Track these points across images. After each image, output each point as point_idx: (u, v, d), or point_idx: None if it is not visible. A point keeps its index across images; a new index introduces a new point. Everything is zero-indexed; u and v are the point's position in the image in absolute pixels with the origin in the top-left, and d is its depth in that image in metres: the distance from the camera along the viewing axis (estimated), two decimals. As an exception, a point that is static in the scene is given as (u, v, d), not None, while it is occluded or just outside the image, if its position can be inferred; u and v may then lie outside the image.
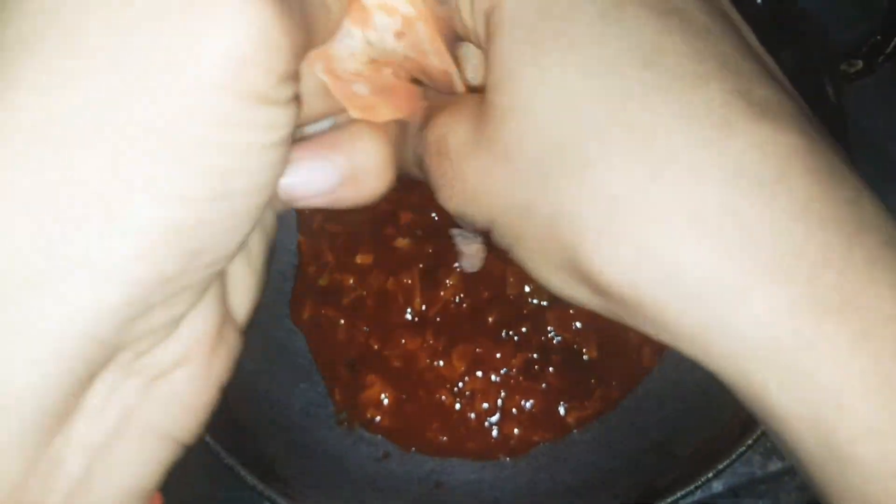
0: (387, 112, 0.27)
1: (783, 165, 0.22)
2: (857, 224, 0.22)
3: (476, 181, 0.26)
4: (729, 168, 0.22)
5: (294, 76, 0.22)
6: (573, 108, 0.23)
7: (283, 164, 0.23)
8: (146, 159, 0.20)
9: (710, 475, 0.52)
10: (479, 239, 0.46)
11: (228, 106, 0.20)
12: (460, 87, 0.28)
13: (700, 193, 0.22)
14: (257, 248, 0.28)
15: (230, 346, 0.26)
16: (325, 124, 0.28)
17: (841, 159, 0.23)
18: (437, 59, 0.27)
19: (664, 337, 0.24)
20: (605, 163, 0.23)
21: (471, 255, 0.50)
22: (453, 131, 0.26)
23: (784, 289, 0.22)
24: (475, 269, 0.48)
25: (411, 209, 0.65)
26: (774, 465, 0.68)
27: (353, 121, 0.27)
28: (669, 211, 0.22)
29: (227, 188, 0.21)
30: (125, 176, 0.20)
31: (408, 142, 0.29)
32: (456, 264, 0.62)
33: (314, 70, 0.25)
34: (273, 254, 0.30)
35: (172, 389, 0.24)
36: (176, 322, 0.23)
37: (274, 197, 0.25)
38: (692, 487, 0.52)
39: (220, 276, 0.25)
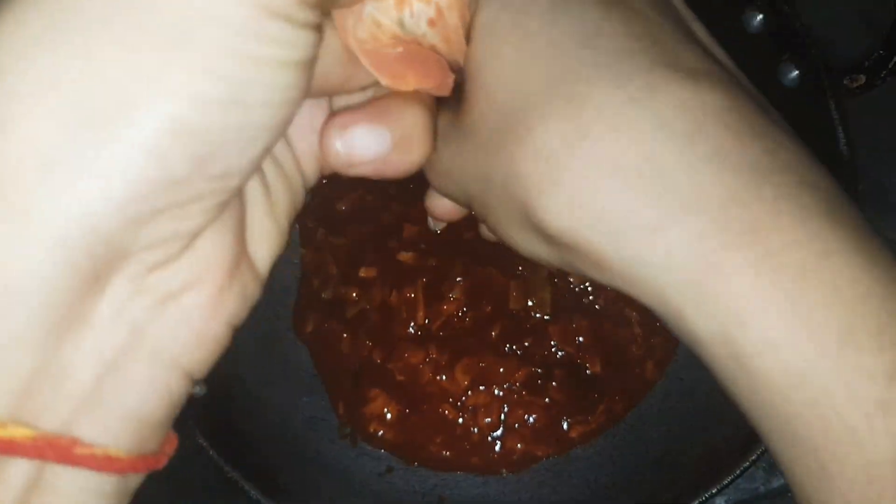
0: (415, 80, 0.28)
1: (700, 119, 0.25)
2: (770, 168, 0.24)
3: (450, 160, 0.30)
4: (649, 122, 0.25)
5: (318, 4, 0.22)
6: (522, 86, 0.26)
7: (302, 90, 0.23)
8: (163, 56, 0.20)
9: (714, 491, 0.52)
10: None
11: (249, 15, 0.20)
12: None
13: (622, 145, 0.25)
14: (282, 203, 0.28)
15: (246, 288, 0.26)
16: (360, 96, 0.29)
17: (769, 120, 0.26)
18: (456, 53, 0.29)
19: (606, 278, 0.27)
20: (543, 127, 0.26)
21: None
22: (439, 120, 0.30)
23: (694, 221, 0.24)
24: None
25: (415, 222, 0.66)
26: (778, 481, 0.68)
27: (394, 92, 0.29)
28: (596, 163, 0.25)
29: (242, 97, 0.21)
30: (140, 70, 0.20)
31: None
32: (458, 278, 0.63)
33: (345, 38, 0.27)
34: (292, 226, 0.30)
35: (182, 314, 0.24)
36: (186, 238, 0.23)
37: (309, 163, 0.28)
38: (696, 503, 0.52)
39: (238, 209, 0.25)
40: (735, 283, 0.24)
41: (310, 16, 0.22)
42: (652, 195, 0.25)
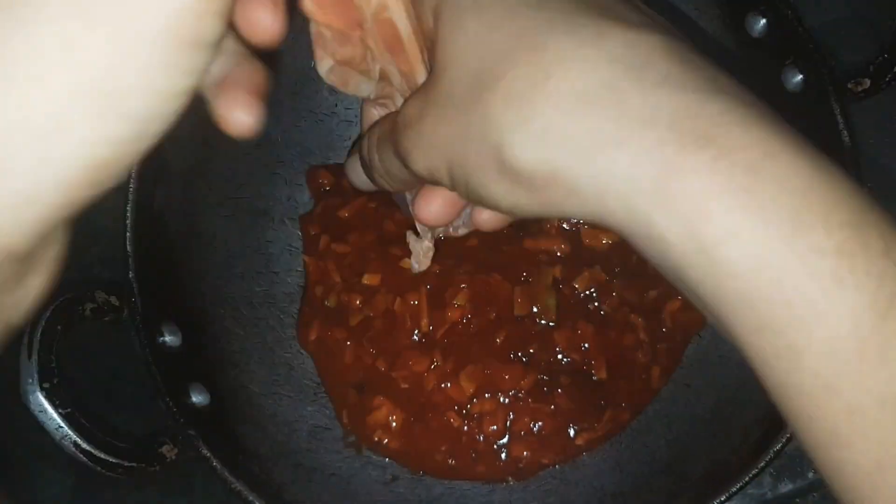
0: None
1: (648, 54, 0.28)
2: (714, 90, 0.28)
3: (429, 132, 0.32)
4: (604, 58, 0.28)
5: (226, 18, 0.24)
6: (488, 47, 0.30)
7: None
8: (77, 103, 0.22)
9: (723, 498, 0.52)
10: (429, 237, 0.49)
11: (169, 53, 0.22)
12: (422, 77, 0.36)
13: (582, 78, 0.28)
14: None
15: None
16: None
17: (705, 58, 0.30)
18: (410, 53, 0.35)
19: (578, 206, 0.29)
20: (511, 73, 0.29)
21: (418, 254, 0.50)
22: (410, 104, 0.33)
23: (651, 133, 0.27)
24: (422, 269, 0.50)
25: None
26: (785, 487, 0.67)
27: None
28: (560, 95, 0.28)
29: (146, 131, 0.24)
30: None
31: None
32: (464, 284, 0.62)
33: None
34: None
35: None
36: None
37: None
38: (706, 511, 0.52)
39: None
40: (695, 181, 0.26)
41: (220, 31, 0.24)
42: (612, 115, 0.28)
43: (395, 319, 0.63)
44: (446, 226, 0.42)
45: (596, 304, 0.62)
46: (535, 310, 0.62)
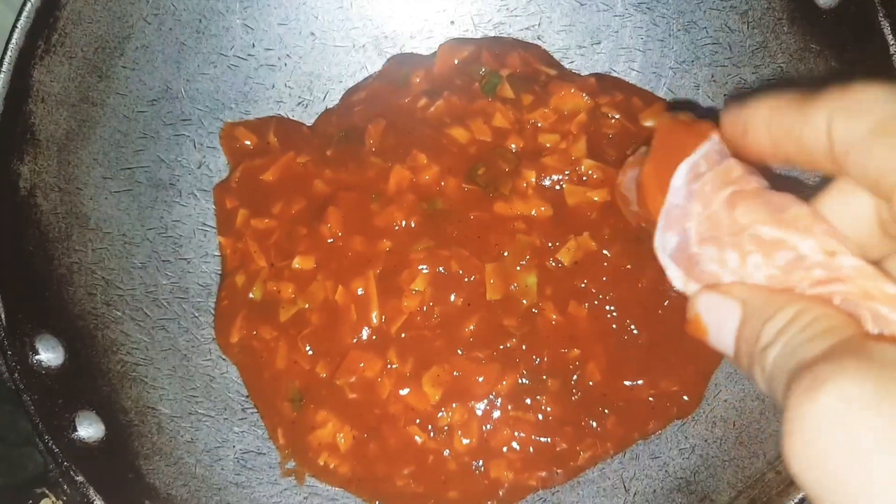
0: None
1: None
2: None
3: (848, 448, 0.23)
4: None
5: None
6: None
7: None
8: None
9: (764, 530, 0.41)
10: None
11: None
12: None
13: None
14: None
15: None
16: None
17: None
18: None
19: None
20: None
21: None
22: (836, 376, 0.24)
23: None
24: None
25: (352, 189, 0.52)
26: None
27: None
28: None
29: None
30: None
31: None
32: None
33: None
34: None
35: None
36: None
37: None
38: (742, 547, 0.41)
39: None
40: None
41: None
42: None
43: (338, 312, 0.51)
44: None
45: (586, 280, 0.50)
46: (513, 288, 0.50)
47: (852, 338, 0.25)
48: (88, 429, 0.46)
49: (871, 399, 0.22)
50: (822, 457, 0.23)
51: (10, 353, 0.45)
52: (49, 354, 0.47)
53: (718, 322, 0.29)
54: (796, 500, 0.41)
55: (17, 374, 0.45)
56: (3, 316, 0.45)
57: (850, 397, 0.23)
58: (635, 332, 0.49)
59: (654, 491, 0.48)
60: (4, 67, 0.46)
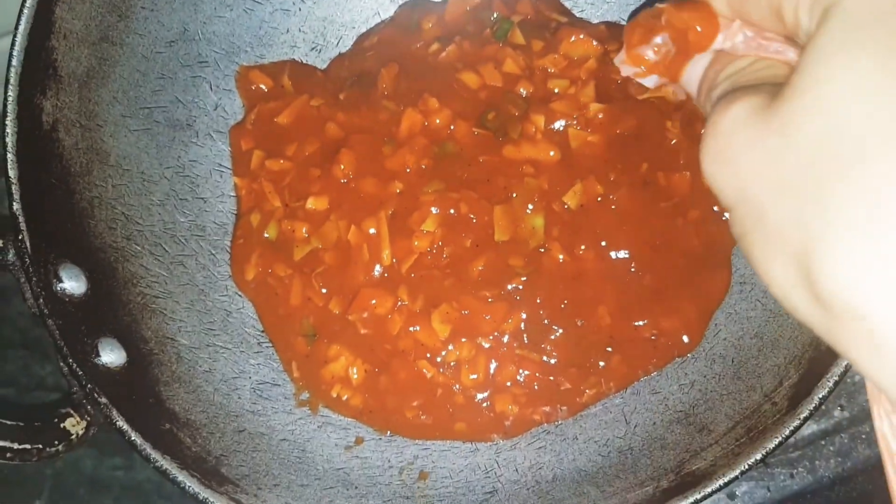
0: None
1: None
2: None
3: (743, 148, 0.27)
4: None
5: None
6: (868, 103, 0.23)
7: None
8: None
9: (759, 458, 0.43)
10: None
11: None
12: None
13: None
14: None
15: None
16: None
17: None
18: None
19: (867, 367, 0.24)
20: (880, 165, 0.23)
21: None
22: (746, 96, 0.27)
23: None
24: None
25: (365, 132, 0.54)
26: (809, 429, 0.59)
27: None
28: None
29: None
30: None
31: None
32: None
33: None
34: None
35: None
36: None
37: None
38: (737, 473, 0.43)
39: None
40: None
41: None
42: None
43: (350, 251, 0.52)
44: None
45: (593, 223, 0.51)
46: (520, 231, 0.51)
47: (775, 76, 0.29)
48: (111, 354, 0.48)
49: (765, 112, 0.26)
50: (725, 151, 0.27)
51: (34, 279, 0.46)
52: (72, 283, 0.48)
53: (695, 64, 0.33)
54: (842, 369, 0.42)
55: (41, 300, 0.46)
56: (28, 244, 0.46)
57: (753, 106, 0.26)
58: (640, 274, 0.51)
59: (654, 423, 0.50)
60: (28, 2, 0.47)
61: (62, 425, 0.45)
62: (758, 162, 0.26)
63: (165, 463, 0.45)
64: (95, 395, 0.45)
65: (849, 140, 0.23)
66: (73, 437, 0.45)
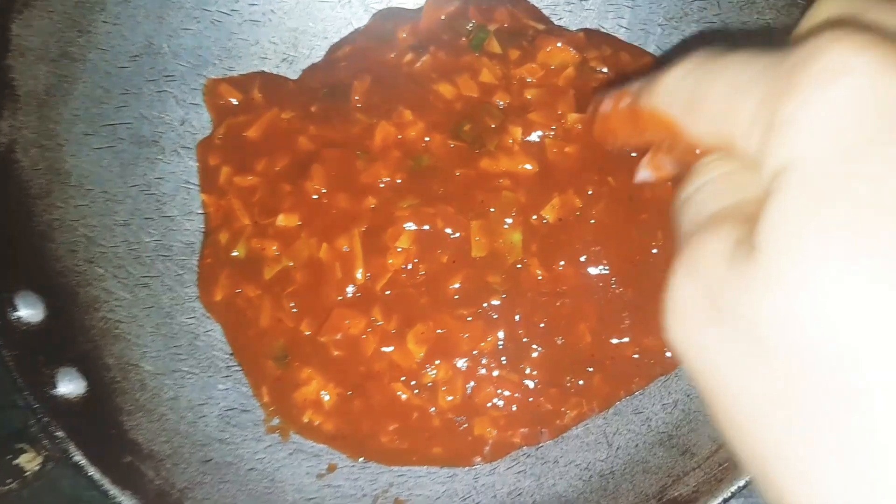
0: None
1: None
2: None
3: (707, 322, 0.24)
4: None
5: None
6: (861, 315, 0.21)
7: None
8: None
9: (742, 484, 0.41)
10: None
11: None
12: None
13: None
14: None
15: None
16: None
17: None
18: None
19: None
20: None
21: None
22: (717, 240, 0.25)
23: None
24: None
25: (337, 145, 0.52)
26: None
27: None
28: None
29: None
30: None
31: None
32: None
33: None
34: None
35: None
36: None
37: None
38: (719, 501, 0.41)
39: None
40: None
41: None
42: None
43: (322, 270, 0.51)
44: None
45: (571, 238, 0.50)
46: (497, 247, 0.50)
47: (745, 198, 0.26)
48: (69, 385, 0.46)
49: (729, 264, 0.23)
50: (686, 319, 0.25)
51: (-11, 308, 0.45)
52: (29, 311, 0.46)
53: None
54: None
55: (-4, 329, 0.45)
56: (-19, 272, 0.45)
57: (718, 252, 0.24)
58: (620, 290, 0.49)
59: (637, 445, 0.48)
60: (-20, 20, 0.46)
61: (16, 462, 0.43)
62: (713, 344, 0.24)
63: (125, 499, 0.43)
64: (52, 428, 0.44)
65: (840, 361, 0.20)
66: (28, 473, 0.43)
